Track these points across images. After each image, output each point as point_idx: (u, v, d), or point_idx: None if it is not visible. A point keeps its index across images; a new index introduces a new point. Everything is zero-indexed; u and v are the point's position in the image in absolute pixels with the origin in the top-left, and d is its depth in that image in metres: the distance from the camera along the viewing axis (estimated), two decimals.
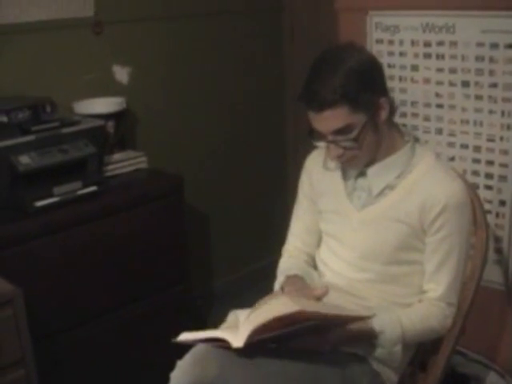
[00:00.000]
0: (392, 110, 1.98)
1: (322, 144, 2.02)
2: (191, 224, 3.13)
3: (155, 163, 3.07)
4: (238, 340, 1.70)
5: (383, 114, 1.93)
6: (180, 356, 1.83)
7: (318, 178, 2.16)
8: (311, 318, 1.70)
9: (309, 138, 2.02)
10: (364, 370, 1.94)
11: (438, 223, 1.94)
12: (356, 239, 2.05)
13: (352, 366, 1.93)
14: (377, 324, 1.90)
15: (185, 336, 1.83)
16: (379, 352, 1.93)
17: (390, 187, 2.01)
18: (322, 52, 1.95)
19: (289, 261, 2.23)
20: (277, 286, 2.16)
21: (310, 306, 1.73)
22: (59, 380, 2.57)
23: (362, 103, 1.86)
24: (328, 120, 1.87)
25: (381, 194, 2.02)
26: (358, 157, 1.96)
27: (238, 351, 1.75)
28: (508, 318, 2.71)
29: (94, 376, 2.68)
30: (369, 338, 1.91)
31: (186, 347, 1.85)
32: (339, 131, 1.89)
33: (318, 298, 1.93)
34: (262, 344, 1.79)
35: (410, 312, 1.98)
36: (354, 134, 1.88)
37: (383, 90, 1.96)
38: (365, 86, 1.87)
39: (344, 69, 1.85)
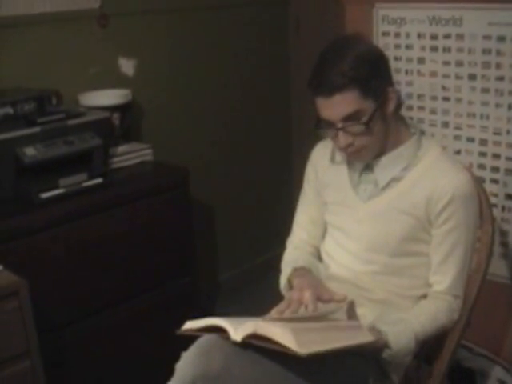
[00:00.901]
0: (399, 103, 1.98)
1: (329, 134, 1.99)
2: (196, 217, 3.13)
3: (161, 155, 3.07)
4: (237, 334, 1.69)
5: (391, 105, 1.93)
6: (185, 347, 1.83)
7: (324, 169, 2.15)
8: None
9: (316, 129, 2.01)
10: (370, 367, 1.94)
11: (445, 215, 1.94)
12: (361, 231, 2.05)
13: (358, 362, 1.92)
14: (392, 337, 1.86)
15: (189, 325, 1.83)
16: (391, 360, 1.91)
17: (396, 179, 2.01)
18: (330, 42, 1.95)
19: (294, 252, 2.22)
20: (283, 278, 2.14)
21: (311, 344, 1.65)
22: (65, 372, 2.58)
23: (372, 89, 1.86)
24: (338, 105, 1.86)
25: (387, 186, 2.01)
26: (367, 147, 1.94)
27: (242, 343, 1.76)
28: None
29: (99, 368, 2.68)
30: (382, 349, 1.88)
31: (191, 339, 1.85)
32: (349, 117, 1.87)
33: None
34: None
35: (420, 313, 1.95)
36: (365, 118, 1.87)
37: (390, 81, 1.96)
38: (374, 71, 1.87)
39: (353, 54, 1.86)
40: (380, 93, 1.89)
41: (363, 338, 1.80)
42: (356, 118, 1.87)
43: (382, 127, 1.93)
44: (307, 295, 1.90)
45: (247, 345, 1.71)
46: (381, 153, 2.00)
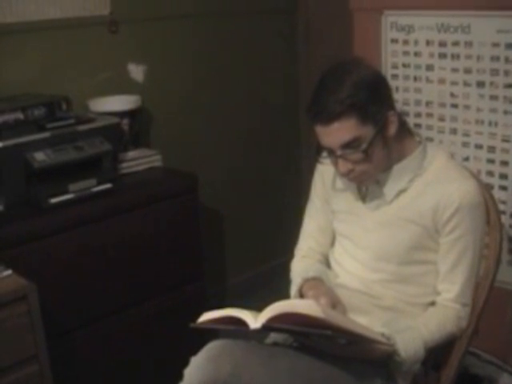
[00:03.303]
0: (402, 123, 1.97)
1: (330, 160, 1.98)
2: (205, 222, 3.13)
3: (170, 161, 3.08)
4: (257, 321, 1.68)
5: (392, 129, 1.91)
6: (194, 353, 1.83)
7: (331, 178, 2.14)
8: (333, 327, 1.67)
9: (315, 156, 2.01)
10: (378, 373, 1.93)
11: (452, 223, 1.93)
12: (370, 240, 2.05)
13: (366, 368, 1.92)
14: (401, 345, 1.85)
15: (205, 316, 1.82)
16: (399, 367, 1.90)
17: (403, 190, 2.00)
18: (328, 68, 1.93)
19: (303, 261, 2.22)
20: (294, 289, 2.13)
21: (335, 318, 1.71)
22: (73, 376, 2.58)
23: (371, 115, 1.84)
24: (336, 133, 1.85)
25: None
26: (368, 173, 1.94)
27: (251, 349, 1.76)
28: None
29: (107, 372, 2.69)
30: (391, 356, 1.88)
31: (200, 345, 1.85)
32: (348, 144, 1.86)
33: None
34: (278, 330, 1.78)
35: (428, 321, 1.95)
36: (364, 146, 1.86)
37: (391, 104, 1.94)
38: (373, 97, 1.85)
39: (351, 80, 1.84)
40: (380, 118, 1.87)
41: (377, 336, 1.82)
42: (355, 145, 1.86)
43: (383, 151, 1.91)
44: (323, 302, 1.91)
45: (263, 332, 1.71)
46: (387, 167, 1.99)
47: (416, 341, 1.88)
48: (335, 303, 1.95)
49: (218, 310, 1.81)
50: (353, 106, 1.81)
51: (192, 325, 1.83)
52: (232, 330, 1.78)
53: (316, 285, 2.05)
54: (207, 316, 1.82)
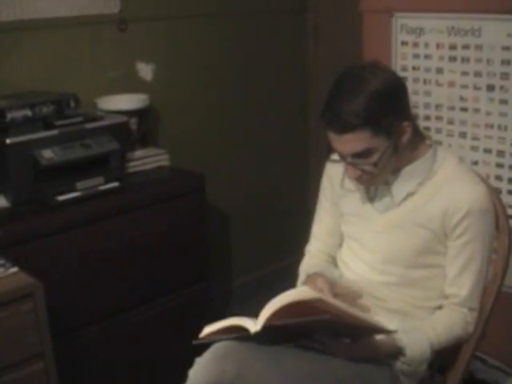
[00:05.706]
0: (414, 129, 1.95)
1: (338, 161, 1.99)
2: (211, 222, 3.13)
3: (177, 161, 3.08)
4: (255, 326, 1.68)
5: (405, 138, 1.90)
6: (199, 353, 1.83)
7: (340, 180, 2.13)
8: (330, 309, 1.67)
9: (326, 155, 2.02)
10: (383, 375, 1.93)
11: (461, 228, 1.92)
12: (378, 242, 2.04)
13: (371, 370, 1.91)
14: (407, 344, 1.86)
15: (206, 330, 1.82)
16: (405, 368, 1.91)
17: (411, 193, 1.99)
18: (345, 71, 1.91)
19: (310, 261, 2.23)
20: (299, 285, 2.16)
21: (330, 299, 1.71)
22: (77, 374, 2.58)
23: (385, 127, 1.83)
24: (348, 143, 1.85)
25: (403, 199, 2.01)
26: (376, 178, 1.95)
27: (256, 350, 1.76)
28: None
29: (111, 371, 2.69)
30: (396, 356, 1.89)
31: (205, 345, 1.85)
32: (359, 155, 1.86)
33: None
34: (281, 332, 1.79)
35: (435, 324, 1.95)
36: (374, 158, 1.86)
37: (407, 113, 1.92)
38: (389, 109, 1.84)
39: (368, 90, 1.81)
40: (394, 129, 1.86)
41: (377, 323, 1.83)
42: (366, 155, 1.86)
43: (393, 159, 1.91)
44: (319, 281, 1.96)
45: (267, 336, 1.70)
46: (396, 168, 1.98)
47: (422, 341, 1.88)
48: (332, 286, 1.96)
49: (218, 322, 1.82)
50: (368, 119, 1.80)
51: (195, 342, 1.83)
52: (235, 337, 1.79)
53: (316, 277, 2.08)
54: (208, 329, 1.83)
